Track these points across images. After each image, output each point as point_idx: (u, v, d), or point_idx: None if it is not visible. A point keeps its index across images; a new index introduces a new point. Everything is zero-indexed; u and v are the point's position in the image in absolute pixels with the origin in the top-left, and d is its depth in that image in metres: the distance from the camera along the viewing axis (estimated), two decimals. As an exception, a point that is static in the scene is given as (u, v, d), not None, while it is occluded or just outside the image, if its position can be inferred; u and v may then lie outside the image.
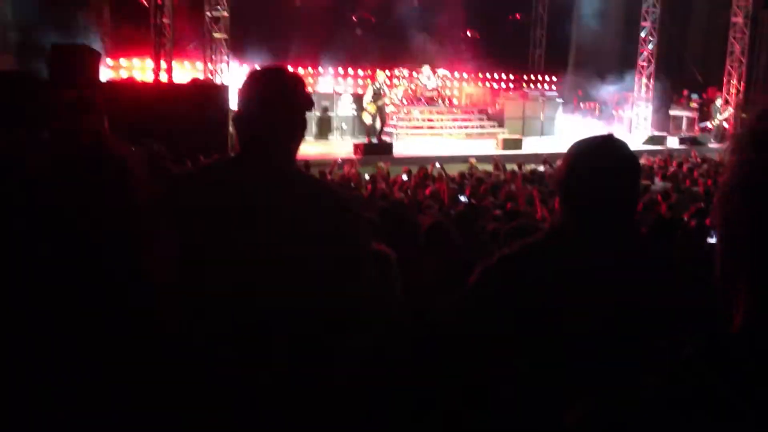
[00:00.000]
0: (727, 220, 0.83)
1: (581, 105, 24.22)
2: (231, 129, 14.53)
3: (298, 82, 2.15)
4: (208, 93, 14.58)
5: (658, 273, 1.88)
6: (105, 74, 16.70)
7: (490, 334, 1.90)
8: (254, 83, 2.12)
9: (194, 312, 1.53)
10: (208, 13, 15.72)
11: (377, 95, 16.77)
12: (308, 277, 1.92)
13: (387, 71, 19.14)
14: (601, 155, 1.86)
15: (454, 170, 12.05)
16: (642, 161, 13.65)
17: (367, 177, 11.08)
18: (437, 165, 12.21)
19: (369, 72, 20.02)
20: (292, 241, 1.93)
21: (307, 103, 2.15)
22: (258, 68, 2.18)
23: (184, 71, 18.42)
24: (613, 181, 1.84)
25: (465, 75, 24.00)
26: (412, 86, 20.63)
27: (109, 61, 18.34)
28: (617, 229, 1.84)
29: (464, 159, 14.51)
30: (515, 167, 12.39)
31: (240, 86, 2.15)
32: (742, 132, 0.83)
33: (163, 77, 15.92)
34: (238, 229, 1.94)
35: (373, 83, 17.08)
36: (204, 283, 1.85)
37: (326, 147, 17.19)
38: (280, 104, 2.08)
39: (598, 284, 1.79)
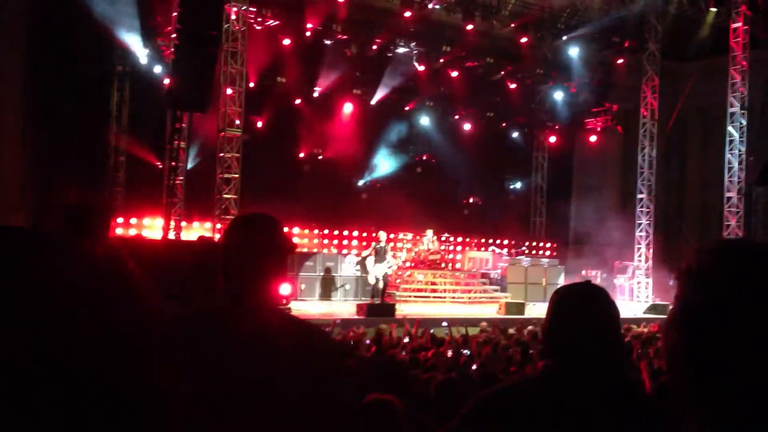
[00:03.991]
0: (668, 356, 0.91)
1: (582, 272, 24.43)
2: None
3: (278, 226, 2.23)
4: (214, 250, 14.84)
5: (646, 420, 1.88)
6: (116, 231, 17.05)
7: None
8: (236, 230, 2.23)
9: None
10: (220, 175, 16.29)
11: (380, 255, 16.98)
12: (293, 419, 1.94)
13: (390, 234, 19.50)
14: (579, 300, 1.94)
15: (456, 333, 11.95)
16: (640, 329, 13.67)
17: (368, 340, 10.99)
18: (444, 324, 12.15)
19: (374, 234, 20.44)
20: (272, 376, 1.98)
21: (288, 245, 2.24)
22: (239, 216, 2.27)
23: (192, 230, 18.81)
24: (593, 323, 1.90)
25: (467, 240, 24.44)
26: (416, 250, 20.93)
27: (120, 219, 18.79)
28: (601, 372, 1.86)
29: (469, 322, 14.44)
30: (513, 330, 12.29)
31: (223, 234, 2.24)
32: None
33: (172, 235, 16.25)
34: (224, 368, 1.99)
35: (377, 244, 17.36)
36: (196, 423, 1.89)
37: (329, 307, 17.20)
38: (262, 248, 2.16)
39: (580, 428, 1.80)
